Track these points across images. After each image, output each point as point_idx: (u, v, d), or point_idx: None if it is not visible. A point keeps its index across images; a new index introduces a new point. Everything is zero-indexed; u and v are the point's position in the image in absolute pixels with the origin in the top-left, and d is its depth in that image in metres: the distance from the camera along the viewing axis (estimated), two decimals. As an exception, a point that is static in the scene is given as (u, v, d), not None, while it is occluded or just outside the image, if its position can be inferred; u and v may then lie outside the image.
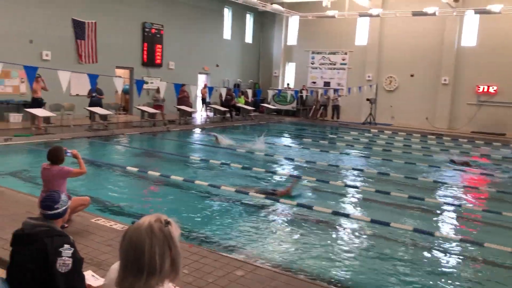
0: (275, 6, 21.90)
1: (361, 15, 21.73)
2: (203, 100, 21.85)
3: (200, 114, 22.08)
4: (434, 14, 19.24)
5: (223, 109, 20.79)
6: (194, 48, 22.37)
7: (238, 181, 9.01)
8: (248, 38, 26.96)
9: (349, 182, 9.69)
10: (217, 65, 24.25)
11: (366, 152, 14.18)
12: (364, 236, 6.31)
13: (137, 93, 14.77)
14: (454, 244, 6.16)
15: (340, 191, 8.84)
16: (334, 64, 25.02)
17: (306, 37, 25.75)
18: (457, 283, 5.00)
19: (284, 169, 10.87)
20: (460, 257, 5.79)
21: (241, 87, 24.38)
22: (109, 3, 18.18)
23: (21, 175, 8.73)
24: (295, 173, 10.35)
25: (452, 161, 12.65)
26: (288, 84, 26.51)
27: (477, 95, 21.09)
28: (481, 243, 5.96)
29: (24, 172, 9.01)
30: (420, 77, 22.39)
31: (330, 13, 21.34)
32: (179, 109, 18.07)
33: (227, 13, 24.95)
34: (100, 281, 3.58)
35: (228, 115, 21.14)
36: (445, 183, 10.02)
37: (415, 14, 19.83)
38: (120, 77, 15.32)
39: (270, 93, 22.75)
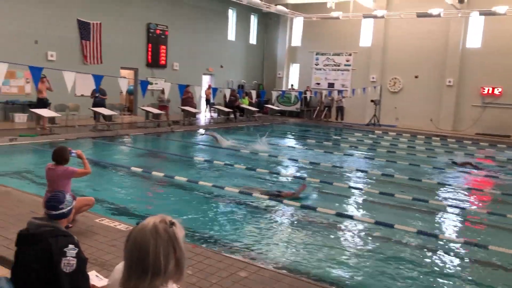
0: (280, 7, 21.91)
1: (365, 17, 21.71)
2: (207, 101, 21.87)
3: (204, 115, 22.12)
4: (438, 15, 19.18)
5: (227, 110, 20.81)
6: (198, 49, 22.41)
7: (242, 182, 9.01)
8: (252, 39, 26.97)
9: (353, 184, 9.68)
10: (221, 66, 24.27)
11: (370, 154, 14.15)
12: (368, 238, 6.30)
13: (141, 94, 14.78)
14: (458, 246, 6.13)
15: (344, 192, 8.82)
16: (338, 65, 25.01)
17: (310, 38, 25.74)
18: (461, 285, 4.98)
19: (288, 171, 10.86)
20: (464, 259, 5.76)
21: (245, 88, 24.39)
22: (114, 4, 18.24)
23: (26, 175, 8.76)
24: (299, 174, 10.34)
25: (454, 163, 12.61)
26: (292, 85, 26.50)
27: (481, 96, 21.02)
28: (486, 245, 5.94)
29: (29, 172, 9.04)
30: (425, 79, 22.33)
31: (334, 14, 21.34)
32: (183, 110, 18.10)
33: (232, 14, 24.98)
34: (104, 281, 3.59)
35: (232, 116, 21.16)
36: (449, 185, 9.98)
37: (420, 15, 19.78)
38: (124, 77, 15.36)
39: (274, 94, 22.76)
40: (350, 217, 7.04)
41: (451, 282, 5.01)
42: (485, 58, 20.63)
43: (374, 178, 10.42)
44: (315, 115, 24.45)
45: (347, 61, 24.72)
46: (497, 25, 20.06)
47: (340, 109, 23.36)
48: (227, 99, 21.01)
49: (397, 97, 23.10)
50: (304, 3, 23.96)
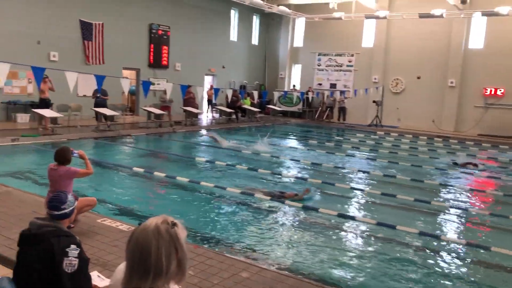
0: (282, 8, 21.90)
1: (367, 17, 21.68)
2: (209, 101, 21.88)
3: (206, 115, 22.12)
4: (441, 16, 19.15)
5: (229, 110, 20.82)
6: (200, 49, 22.42)
7: (244, 183, 9.01)
8: (255, 40, 26.98)
9: (355, 185, 9.66)
10: (223, 67, 24.29)
11: (372, 154, 14.13)
12: (370, 239, 6.29)
13: (143, 94, 14.80)
14: (460, 247, 6.12)
15: (346, 193, 8.81)
16: (341, 66, 25.00)
17: (312, 39, 25.73)
18: (462, 287, 4.97)
19: (290, 171, 10.85)
20: (466, 261, 5.75)
21: (247, 89, 24.40)
22: (116, 4, 18.27)
23: (28, 175, 8.77)
24: (300, 175, 10.34)
25: (455, 163, 12.59)
26: (294, 86, 26.50)
27: (484, 97, 20.98)
28: (488, 247, 5.92)
29: (31, 172, 9.05)
30: (427, 79, 22.30)
31: (336, 15, 21.33)
32: (185, 110, 18.11)
33: (234, 15, 24.99)
34: (106, 281, 3.59)
35: (234, 116, 21.16)
36: (451, 186, 9.97)
37: (422, 16, 19.75)
38: (126, 78, 15.38)
39: (276, 94, 22.75)
40: (352, 218, 7.03)
41: (453, 284, 5.00)
42: (488, 59, 20.59)
43: (376, 179, 10.40)
44: (317, 115, 24.44)
45: (349, 61, 24.71)
46: (500, 26, 20.02)
47: (342, 110, 23.34)
48: (229, 100, 21.02)
49: (399, 98, 23.07)
50: (306, 3, 23.95)
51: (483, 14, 19.08)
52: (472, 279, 5.20)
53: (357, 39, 24.26)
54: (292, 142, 16.53)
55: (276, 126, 21.38)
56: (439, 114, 21.95)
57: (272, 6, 21.41)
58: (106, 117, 14.69)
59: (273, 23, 27.17)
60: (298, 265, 5.16)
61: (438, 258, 5.72)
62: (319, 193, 8.61)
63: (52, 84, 13.72)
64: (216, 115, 21.68)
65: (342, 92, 23.13)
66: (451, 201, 8.76)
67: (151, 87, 17.20)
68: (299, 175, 10.32)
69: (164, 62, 20.71)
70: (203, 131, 17.68)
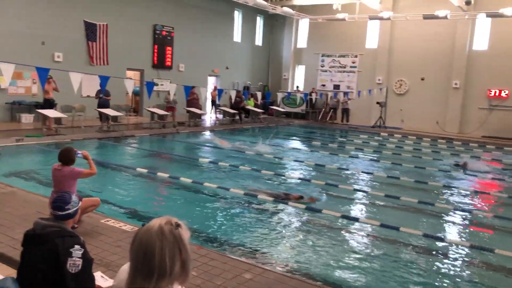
0: (285, 9, 21.90)
1: (371, 18, 21.65)
2: (213, 102, 21.91)
3: (210, 116, 22.14)
4: (445, 17, 19.09)
5: (232, 111, 20.83)
6: (204, 50, 22.45)
7: (247, 184, 9.01)
8: (258, 41, 26.99)
9: (358, 186, 9.65)
10: (227, 68, 24.30)
11: (375, 156, 14.10)
12: (373, 241, 6.27)
13: (147, 95, 14.82)
14: (464, 249, 6.10)
15: (349, 194, 8.80)
16: (344, 67, 24.98)
17: (316, 40, 25.72)
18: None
19: (293, 172, 10.84)
20: (470, 263, 5.73)
21: (250, 90, 24.41)
22: (120, 5, 18.31)
23: (32, 176, 8.80)
24: (303, 176, 10.32)
25: (456, 165, 12.55)
26: (297, 87, 26.50)
27: (488, 99, 20.90)
28: (492, 249, 5.90)
29: (35, 172, 9.09)
30: (431, 81, 22.24)
31: (340, 16, 21.32)
32: (188, 111, 18.14)
33: (237, 16, 25.02)
34: (109, 282, 3.60)
35: (237, 117, 21.17)
36: (455, 188, 9.94)
37: (426, 17, 19.71)
38: (130, 78, 15.40)
39: (280, 95, 22.73)
40: (356, 220, 7.02)
41: (456, 286, 4.98)
42: (492, 60, 20.51)
43: (380, 180, 10.38)
44: (320, 117, 24.42)
45: (353, 62, 24.69)
46: (504, 27, 19.96)
47: (346, 111, 23.31)
48: (233, 101, 21.04)
49: (403, 99, 23.02)
50: (310, 4, 23.96)
51: (488, 15, 19.01)
52: (476, 281, 5.18)
53: (360, 40, 24.23)
54: (295, 143, 16.51)
55: (280, 127, 21.38)
56: (443, 115, 21.88)
57: (276, 7, 21.40)
58: (107, 117, 14.73)
59: (276, 24, 27.19)
60: (301, 266, 5.15)
61: (442, 260, 5.70)
62: (322, 194, 8.60)
63: (56, 85, 13.77)
64: (220, 116, 21.69)
65: (345, 93, 23.12)
66: (455, 203, 8.72)
67: (155, 88, 17.24)
68: (303, 176, 10.31)
69: (168, 63, 20.75)
70: (207, 132, 17.69)
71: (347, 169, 11.43)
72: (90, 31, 17.25)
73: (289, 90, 25.87)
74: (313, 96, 23.84)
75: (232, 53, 24.53)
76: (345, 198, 8.53)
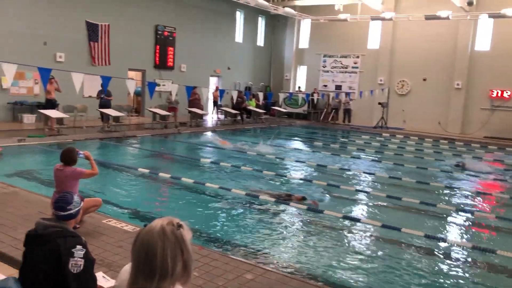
0: (287, 9, 21.91)
1: (373, 19, 21.64)
2: (215, 102, 21.92)
3: (211, 117, 22.15)
4: (447, 18, 19.08)
5: (234, 111, 20.84)
6: (206, 51, 22.47)
7: (248, 184, 9.01)
8: (260, 41, 27.00)
9: (360, 187, 9.64)
10: (229, 68, 24.31)
11: (377, 156, 14.09)
12: (375, 241, 6.27)
13: (149, 95, 14.84)
14: (465, 250, 6.09)
15: (351, 195, 8.79)
16: (346, 68, 24.97)
17: (318, 40, 25.72)
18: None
19: (295, 173, 10.84)
20: (472, 264, 5.71)
21: (252, 90, 24.40)
22: (122, 5, 18.34)
23: (34, 176, 8.82)
24: (305, 176, 10.32)
25: (457, 165, 12.53)
26: (299, 87, 26.50)
27: (490, 99, 20.87)
28: (494, 250, 5.89)
29: (37, 172, 9.10)
30: (433, 81, 22.22)
31: (342, 16, 21.32)
32: (190, 112, 18.15)
33: (239, 16, 25.03)
34: (111, 282, 3.60)
35: (239, 117, 21.18)
36: (457, 188, 9.92)
37: (428, 18, 19.69)
38: (132, 79, 15.42)
39: (281, 96, 22.76)
40: (357, 220, 7.02)
41: (458, 287, 4.97)
42: (494, 60, 20.48)
43: (381, 181, 10.37)
44: (322, 117, 24.42)
45: (355, 63, 24.68)
46: (506, 28, 19.93)
47: (348, 112, 23.30)
48: (234, 101, 21.04)
49: (405, 100, 23.00)
50: (312, 5, 23.96)
51: (490, 16, 18.99)
52: (477, 282, 5.16)
53: (362, 41, 24.22)
54: (297, 144, 16.50)
55: (281, 128, 21.37)
56: (445, 116, 21.85)
57: (278, 8, 21.42)
58: (109, 118, 14.75)
59: (278, 24, 27.19)
60: (302, 267, 5.15)
61: (443, 261, 5.69)
62: (323, 195, 8.59)
63: (58, 85, 13.79)
64: (221, 117, 21.70)
65: (347, 94, 23.11)
66: (457, 203, 8.71)
67: (157, 88, 17.25)
68: (304, 176, 10.30)
69: (170, 63, 20.77)
70: (209, 133, 17.70)
71: (349, 170, 11.41)
72: (92, 31, 17.28)
73: (291, 91, 25.86)
74: (315, 96, 23.85)
75: (234, 53, 24.54)
76: (347, 198, 8.53)
